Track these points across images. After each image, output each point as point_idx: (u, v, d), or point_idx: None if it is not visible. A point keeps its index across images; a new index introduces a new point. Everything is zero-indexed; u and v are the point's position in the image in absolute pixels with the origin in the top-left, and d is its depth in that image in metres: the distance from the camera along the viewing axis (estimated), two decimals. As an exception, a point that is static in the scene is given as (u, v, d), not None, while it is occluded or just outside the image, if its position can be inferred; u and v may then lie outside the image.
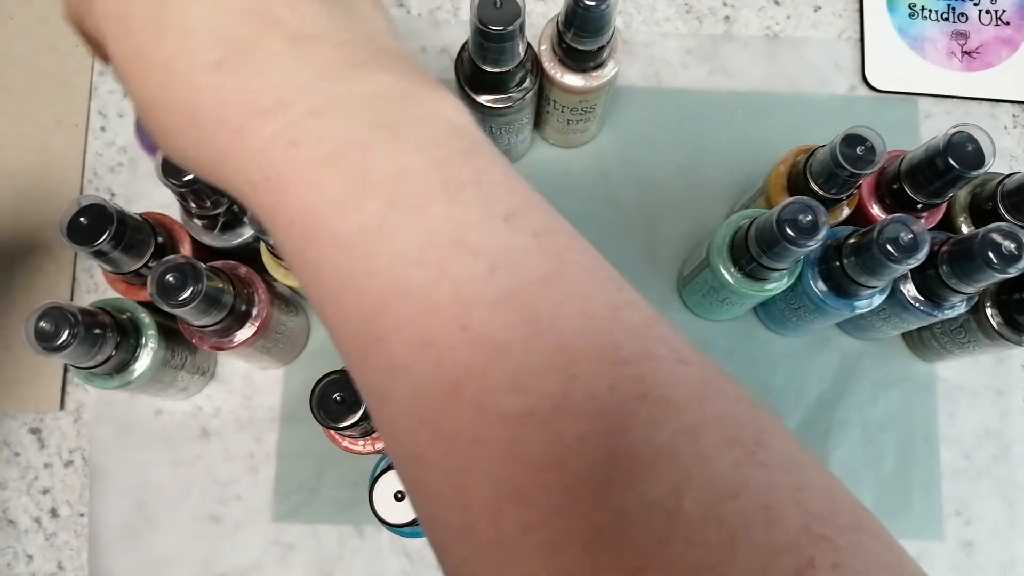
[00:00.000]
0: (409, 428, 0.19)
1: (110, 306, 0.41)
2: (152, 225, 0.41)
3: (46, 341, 0.35)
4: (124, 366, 0.40)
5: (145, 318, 0.41)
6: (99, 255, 0.38)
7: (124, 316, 0.40)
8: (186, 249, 0.43)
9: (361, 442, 0.42)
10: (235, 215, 0.42)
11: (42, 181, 0.52)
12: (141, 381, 0.41)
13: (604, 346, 0.19)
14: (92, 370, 0.39)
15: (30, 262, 0.51)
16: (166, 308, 0.36)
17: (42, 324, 0.35)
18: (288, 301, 0.46)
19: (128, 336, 0.40)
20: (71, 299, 0.50)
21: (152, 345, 0.41)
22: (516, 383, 0.18)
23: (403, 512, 0.38)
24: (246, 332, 0.41)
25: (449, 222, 0.19)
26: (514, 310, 0.19)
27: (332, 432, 0.42)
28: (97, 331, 0.37)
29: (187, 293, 0.36)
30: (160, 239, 0.41)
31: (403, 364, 0.19)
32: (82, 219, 0.37)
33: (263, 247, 0.42)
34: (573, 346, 0.18)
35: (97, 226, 0.37)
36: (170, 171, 0.37)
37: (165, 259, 0.37)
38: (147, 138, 0.42)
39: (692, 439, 0.18)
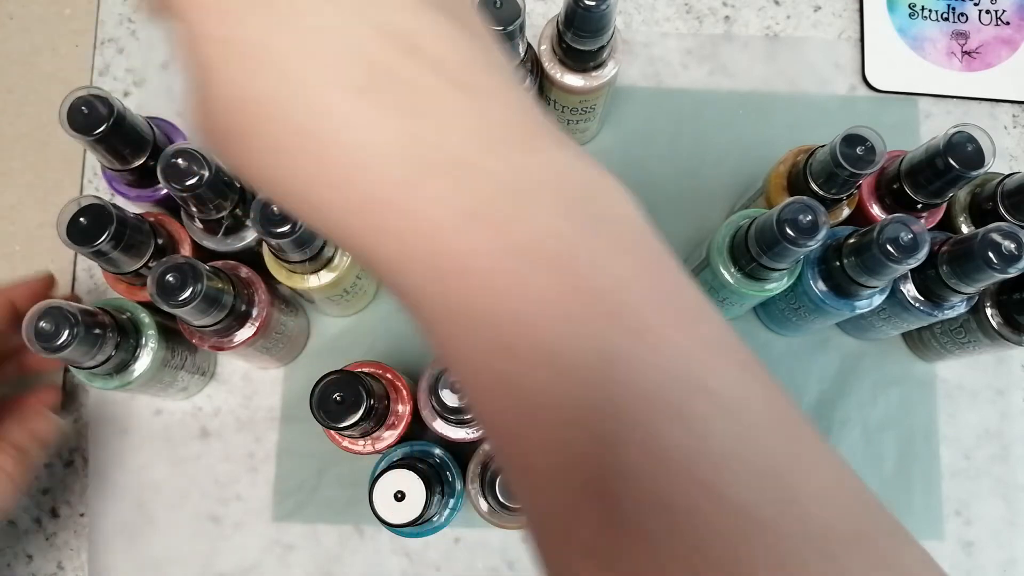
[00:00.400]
0: None
1: (110, 306, 0.41)
2: (152, 225, 0.41)
3: (46, 341, 0.35)
4: (124, 366, 0.40)
5: (145, 318, 0.41)
6: (99, 255, 0.38)
7: (124, 316, 0.40)
8: (186, 250, 0.43)
9: (361, 442, 0.42)
10: (237, 219, 0.42)
11: (42, 181, 0.52)
12: (141, 381, 0.41)
13: (859, 533, 0.17)
14: (92, 370, 0.39)
15: (30, 262, 0.51)
16: (166, 308, 0.36)
17: (42, 324, 0.35)
18: (288, 301, 0.46)
19: (128, 336, 0.40)
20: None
21: (152, 345, 0.41)
22: (778, 565, 0.16)
23: (403, 512, 0.38)
24: (246, 332, 0.41)
25: (686, 358, 0.17)
26: (771, 481, 0.17)
27: (332, 432, 0.42)
28: (97, 331, 0.37)
29: (187, 293, 0.36)
30: (160, 240, 0.41)
31: (630, 523, 0.16)
32: (82, 219, 0.37)
33: (265, 249, 0.42)
34: (833, 528, 0.17)
35: (97, 226, 0.37)
36: (171, 175, 0.37)
37: (165, 259, 0.37)
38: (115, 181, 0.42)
39: None
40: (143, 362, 0.41)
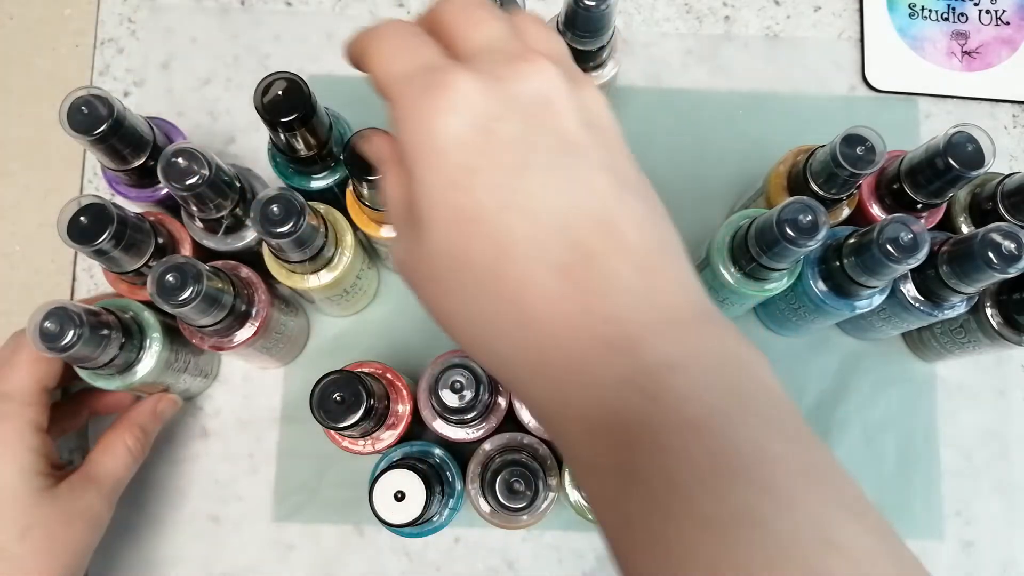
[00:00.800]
0: None
1: (114, 306, 0.41)
2: (152, 224, 0.41)
3: (51, 341, 0.35)
4: (128, 367, 0.40)
5: (150, 319, 0.41)
6: (99, 254, 0.38)
7: (128, 316, 0.40)
8: (187, 249, 0.43)
9: (361, 442, 0.42)
10: (237, 219, 0.42)
11: (42, 181, 0.52)
12: (145, 382, 0.41)
13: None
14: (96, 370, 0.39)
15: (30, 262, 0.51)
16: (166, 308, 0.36)
17: (47, 324, 0.35)
18: (288, 301, 0.46)
19: (132, 337, 0.40)
20: (71, 299, 0.50)
21: (156, 347, 0.41)
22: None
23: (403, 512, 0.38)
24: (246, 332, 0.41)
25: (815, 519, 0.19)
26: None
27: (332, 432, 0.42)
28: (102, 331, 0.37)
29: (187, 293, 0.36)
30: (160, 239, 0.41)
31: None
32: (82, 218, 0.37)
33: (265, 249, 0.42)
34: None
35: (97, 225, 0.37)
36: (172, 174, 0.37)
37: (165, 259, 0.37)
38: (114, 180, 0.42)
39: None
40: (147, 363, 0.41)
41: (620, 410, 0.19)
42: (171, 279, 0.36)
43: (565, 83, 0.22)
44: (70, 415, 0.44)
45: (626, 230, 0.21)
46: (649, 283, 0.21)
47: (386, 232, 0.42)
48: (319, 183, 0.43)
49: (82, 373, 0.40)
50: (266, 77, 0.38)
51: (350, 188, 0.42)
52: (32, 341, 0.35)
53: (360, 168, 0.37)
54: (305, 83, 0.38)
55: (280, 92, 0.38)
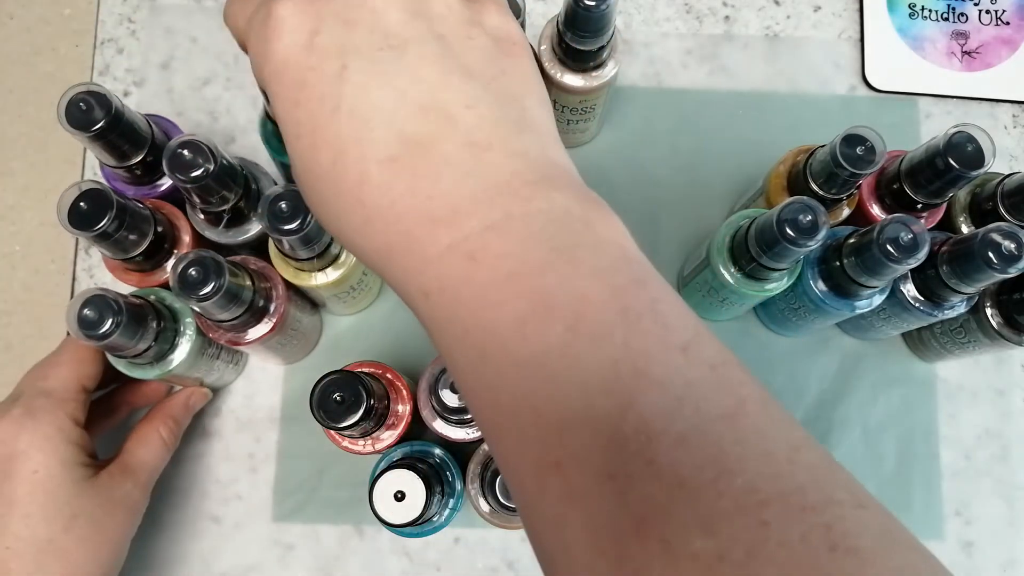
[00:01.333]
0: (586, 561, 0.19)
1: (151, 295, 0.41)
2: (151, 210, 0.41)
3: (89, 329, 0.35)
4: (162, 356, 0.40)
5: (183, 306, 0.41)
6: (101, 239, 0.37)
7: (161, 304, 0.41)
8: (186, 234, 0.43)
9: (361, 442, 0.42)
10: (240, 212, 0.42)
11: (42, 181, 0.52)
12: (180, 370, 0.41)
13: (790, 490, 0.18)
14: (132, 360, 0.40)
15: (30, 262, 0.51)
16: (187, 302, 0.36)
17: (86, 311, 0.35)
18: (304, 298, 0.46)
19: (167, 325, 0.40)
20: (71, 299, 0.50)
21: (190, 333, 0.41)
22: (707, 524, 0.18)
23: (403, 512, 0.38)
24: (263, 328, 0.41)
25: (631, 351, 0.19)
26: (701, 447, 0.18)
27: (332, 432, 0.42)
28: (139, 319, 0.38)
29: (209, 287, 0.36)
30: (159, 225, 0.41)
31: (583, 493, 0.19)
32: (82, 204, 0.37)
33: (272, 247, 0.42)
34: (762, 488, 0.18)
35: (97, 211, 0.37)
36: (176, 166, 0.37)
37: (187, 253, 0.37)
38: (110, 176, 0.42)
39: None
40: (181, 350, 0.41)
41: (448, 276, 0.21)
42: (193, 273, 0.36)
43: None
44: (109, 411, 0.45)
45: (454, 112, 0.22)
46: (479, 158, 0.22)
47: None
48: None
49: (119, 364, 0.40)
50: None
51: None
52: (71, 329, 0.35)
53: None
54: None
55: None
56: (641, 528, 0.18)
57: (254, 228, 0.42)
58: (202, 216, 0.42)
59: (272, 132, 0.42)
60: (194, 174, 0.37)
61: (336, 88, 0.22)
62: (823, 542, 0.18)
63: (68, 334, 0.41)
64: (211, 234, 0.42)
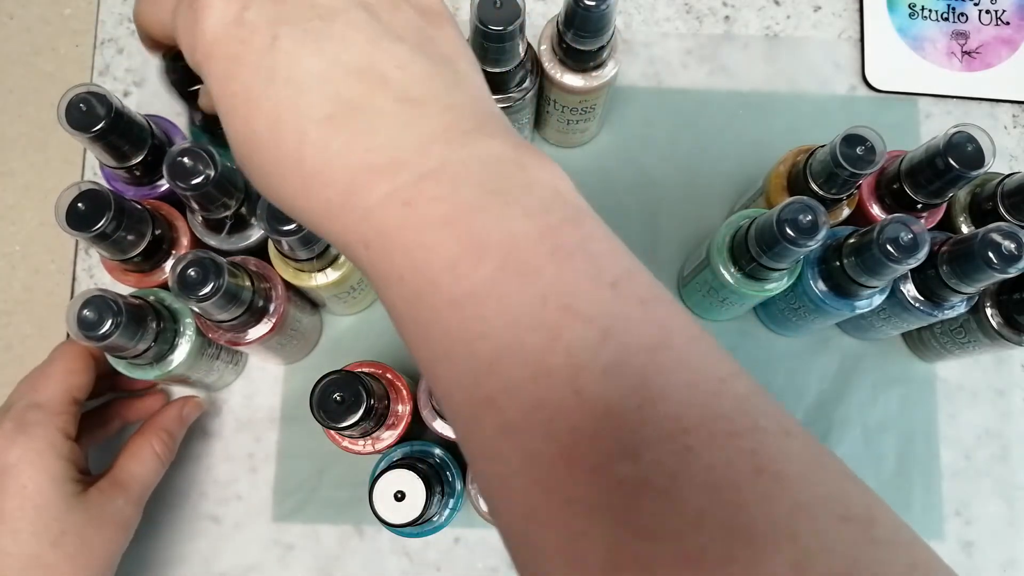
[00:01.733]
0: (521, 489, 0.19)
1: (151, 295, 0.41)
2: (149, 211, 0.41)
3: (89, 329, 0.35)
4: (162, 356, 0.40)
5: (182, 306, 0.41)
6: (99, 239, 0.37)
7: (160, 304, 0.41)
8: (184, 234, 0.43)
9: (361, 442, 0.42)
10: (241, 218, 0.42)
11: (42, 181, 0.52)
12: (180, 370, 0.41)
13: (715, 417, 0.19)
14: (132, 360, 0.39)
15: (30, 262, 0.51)
16: (187, 303, 0.36)
17: (85, 312, 0.35)
18: (304, 298, 0.46)
19: (167, 325, 0.40)
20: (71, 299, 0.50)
21: (190, 333, 0.41)
22: (631, 451, 0.18)
23: (403, 512, 0.38)
24: (263, 328, 0.41)
25: (560, 288, 0.20)
26: (626, 377, 0.19)
27: (332, 432, 0.42)
28: (139, 320, 0.38)
29: (208, 288, 0.36)
30: (157, 226, 0.41)
31: (515, 425, 0.19)
32: (80, 205, 0.37)
33: (272, 248, 0.42)
34: (685, 416, 0.19)
35: (95, 211, 0.37)
36: (177, 173, 0.37)
37: (186, 253, 0.37)
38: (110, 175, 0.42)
39: (809, 516, 0.18)
40: (181, 351, 0.41)
41: (385, 223, 0.21)
42: (193, 273, 0.36)
43: None
44: (101, 424, 0.45)
45: (386, 72, 0.22)
46: (414, 112, 0.22)
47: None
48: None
49: (119, 365, 0.40)
50: (170, 49, 0.38)
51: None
52: (71, 329, 0.35)
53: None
54: None
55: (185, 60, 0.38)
56: (570, 456, 0.18)
57: (256, 234, 0.42)
58: (201, 222, 0.42)
59: (201, 129, 0.42)
60: (195, 181, 0.37)
61: (269, 58, 0.22)
62: (748, 465, 0.18)
63: (64, 339, 0.41)
64: (213, 241, 0.42)
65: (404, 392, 0.43)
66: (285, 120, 0.22)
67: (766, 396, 0.20)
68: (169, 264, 0.42)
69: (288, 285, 0.42)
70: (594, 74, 0.43)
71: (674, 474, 0.18)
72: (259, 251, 0.43)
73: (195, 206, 0.40)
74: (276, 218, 0.37)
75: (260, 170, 0.23)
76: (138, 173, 0.42)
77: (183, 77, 0.35)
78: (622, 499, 0.18)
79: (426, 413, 0.42)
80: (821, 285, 0.42)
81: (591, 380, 0.19)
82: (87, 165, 0.52)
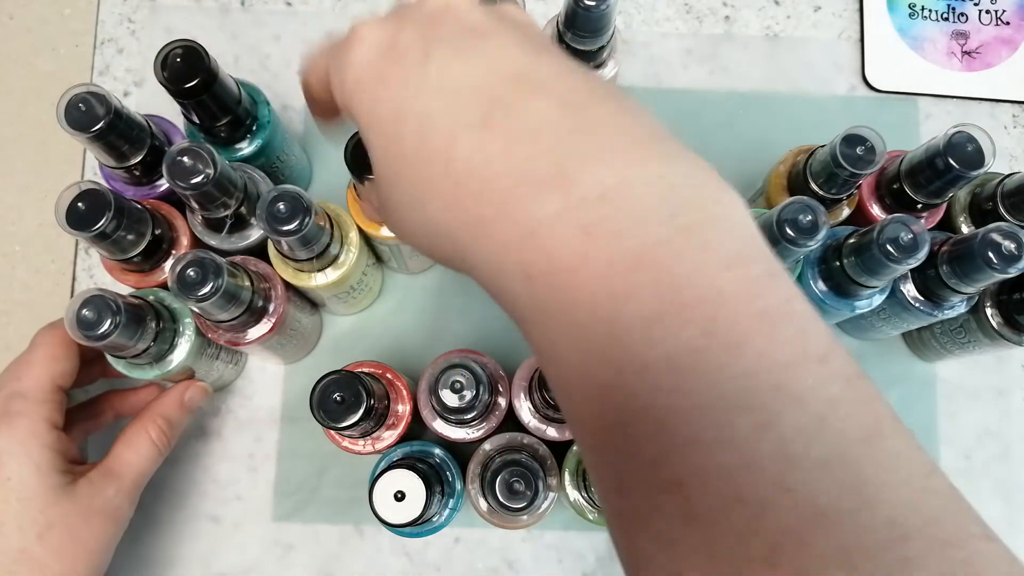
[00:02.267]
0: None
1: (150, 295, 0.41)
2: (149, 211, 0.41)
3: (88, 329, 0.35)
4: (162, 355, 0.40)
5: (182, 306, 0.41)
6: (99, 239, 0.37)
7: (160, 303, 0.41)
8: (184, 234, 0.43)
9: (361, 442, 0.42)
10: (241, 218, 0.42)
11: (42, 181, 0.52)
12: (179, 370, 0.41)
13: (928, 522, 0.17)
14: (131, 360, 0.39)
15: (30, 262, 0.51)
16: (186, 303, 0.36)
17: (84, 312, 0.35)
18: (304, 298, 0.46)
19: (166, 324, 0.40)
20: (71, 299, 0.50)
21: (189, 333, 0.41)
22: (846, 558, 0.16)
23: (403, 512, 0.38)
24: (262, 328, 0.41)
25: (769, 362, 0.17)
26: (841, 473, 0.17)
27: (332, 432, 0.42)
28: (138, 320, 0.37)
29: (207, 288, 0.36)
30: (157, 225, 0.41)
31: (707, 516, 0.17)
32: (80, 204, 0.37)
33: (271, 248, 0.42)
34: (901, 522, 0.17)
35: (95, 211, 0.37)
36: (177, 173, 0.37)
37: (185, 253, 0.37)
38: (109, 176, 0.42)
39: None
40: (181, 351, 0.41)
41: (558, 251, 0.18)
42: (192, 273, 0.36)
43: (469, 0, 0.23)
44: (93, 416, 0.44)
45: (544, 78, 0.20)
46: (578, 118, 0.19)
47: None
48: (243, 151, 0.43)
49: (118, 365, 0.40)
50: (162, 48, 0.39)
51: (351, 187, 0.42)
52: (70, 329, 0.35)
53: (361, 168, 0.37)
54: (203, 47, 0.39)
55: (179, 59, 0.38)
56: (774, 558, 0.16)
57: (255, 234, 0.42)
58: (201, 221, 0.42)
59: (206, 140, 0.42)
60: (194, 181, 0.37)
61: (420, 70, 0.21)
62: None
63: (39, 331, 0.40)
64: (213, 241, 0.42)
65: (404, 392, 0.43)
66: (436, 128, 0.20)
67: (958, 491, 0.18)
68: (169, 264, 0.42)
69: (288, 285, 0.42)
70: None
71: None
72: (259, 251, 0.43)
73: (195, 206, 0.40)
74: (275, 217, 0.37)
75: (404, 193, 0.21)
76: (137, 173, 0.42)
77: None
78: None
79: (426, 413, 0.42)
80: (821, 285, 0.42)
81: (805, 475, 0.17)
82: (87, 165, 0.52)
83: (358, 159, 0.37)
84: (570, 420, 0.20)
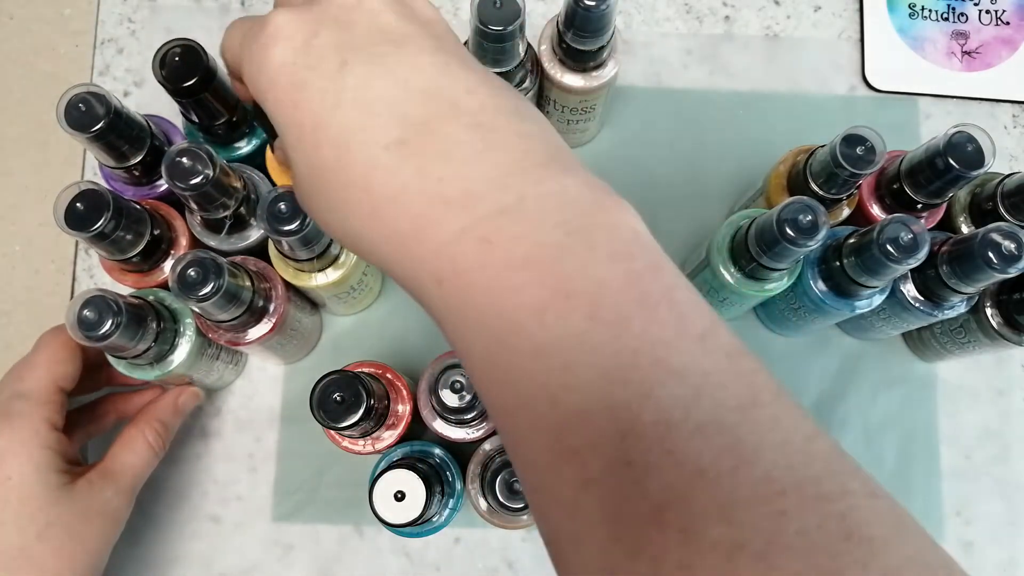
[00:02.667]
0: (601, 543, 0.19)
1: (151, 295, 0.41)
2: (148, 211, 0.41)
3: (89, 330, 0.35)
4: (163, 356, 0.40)
5: (182, 306, 0.41)
6: (98, 239, 0.37)
7: (161, 304, 0.41)
8: (183, 234, 0.43)
9: (361, 442, 0.42)
10: (240, 218, 0.42)
11: (42, 181, 0.52)
12: (180, 370, 0.41)
13: (806, 479, 0.19)
14: (132, 360, 0.39)
15: (30, 262, 0.51)
16: (187, 303, 0.36)
17: (85, 312, 0.35)
18: (304, 298, 0.46)
19: (166, 324, 0.40)
20: (71, 299, 0.50)
21: (190, 334, 0.41)
22: (725, 513, 0.18)
23: (403, 512, 0.38)
24: (263, 328, 0.41)
25: (649, 340, 0.19)
26: (719, 437, 0.18)
27: (332, 432, 0.42)
28: (139, 320, 0.37)
29: (208, 288, 0.36)
30: (156, 225, 0.41)
31: (599, 480, 0.19)
32: (79, 205, 0.37)
33: (272, 248, 0.42)
34: (777, 478, 0.18)
35: (94, 212, 0.37)
36: (176, 173, 0.37)
37: (185, 253, 0.37)
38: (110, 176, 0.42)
39: None
40: (181, 351, 0.41)
41: (462, 260, 0.20)
42: (192, 273, 0.36)
43: None
44: (95, 418, 0.44)
45: (457, 96, 0.22)
46: (486, 140, 0.21)
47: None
48: (241, 151, 0.43)
49: (119, 365, 0.40)
50: (161, 47, 0.39)
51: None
52: (71, 330, 0.35)
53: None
54: (201, 46, 0.39)
55: (177, 58, 0.39)
56: (660, 515, 0.18)
57: (255, 234, 0.42)
58: (200, 222, 0.42)
59: (205, 139, 0.42)
60: (193, 181, 0.37)
61: (337, 82, 0.22)
62: (839, 530, 0.18)
63: (43, 334, 0.40)
64: (212, 241, 0.42)
65: (404, 392, 0.43)
66: (354, 145, 0.21)
67: (846, 454, 0.20)
68: (168, 264, 0.42)
69: (288, 285, 0.42)
70: (594, 74, 0.43)
71: (769, 539, 0.17)
72: (258, 251, 0.43)
73: (194, 206, 0.40)
74: (276, 217, 0.37)
75: (324, 200, 0.23)
76: (137, 173, 0.42)
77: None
78: (716, 561, 0.17)
79: (426, 413, 0.42)
80: (821, 285, 0.42)
81: (684, 439, 0.18)
82: (87, 165, 0.52)
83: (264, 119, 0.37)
84: (487, 406, 0.22)
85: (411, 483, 0.39)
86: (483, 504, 0.42)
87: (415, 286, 0.22)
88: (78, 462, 0.40)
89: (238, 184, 0.40)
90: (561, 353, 0.19)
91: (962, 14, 0.55)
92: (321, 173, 0.22)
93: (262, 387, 0.49)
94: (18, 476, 0.36)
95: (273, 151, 0.39)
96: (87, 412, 0.44)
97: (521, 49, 0.40)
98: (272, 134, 0.36)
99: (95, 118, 0.37)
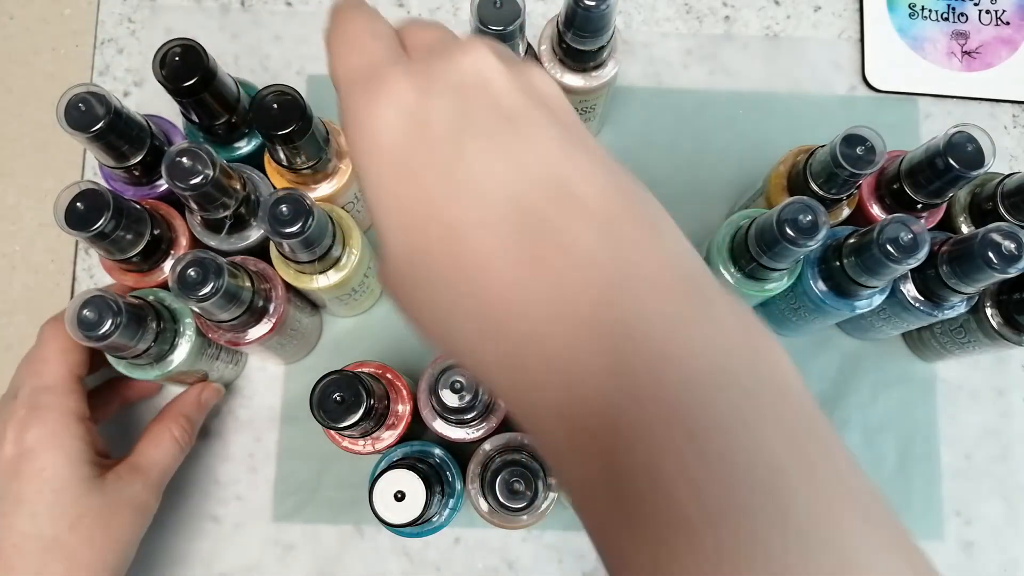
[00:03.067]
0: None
1: (151, 295, 0.41)
2: (148, 211, 0.41)
3: (89, 330, 0.35)
4: (163, 356, 0.40)
5: (182, 306, 0.41)
6: (98, 239, 0.37)
7: (160, 304, 0.41)
8: (183, 234, 0.43)
9: (361, 442, 0.42)
10: (240, 218, 0.42)
11: (42, 181, 0.52)
12: (180, 370, 0.41)
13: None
14: (132, 360, 0.40)
15: (30, 262, 0.51)
16: (187, 303, 0.36)
17: (85, 312, 0.35)
18: (304, 299, 0.46)
19: (166, 325, 0.40)
20: (71, 299, 0.50)
21: (190, 333, 0.41)
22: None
23: (403, 512, 0.38)
24: (262, 328, 0.41)
25: (850, 557, 0.17)
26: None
27: (332, 432, 0.42)
28: (139, 320, 0.38)
29: (208, 288, 0.36)
30: (156, 225, 0.41)
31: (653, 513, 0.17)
32: (79, 204, 0.37)
33: (273, 250, 0.42)
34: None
35: (94, 211, 0.37)
36: (176, 173, 0.37)
37: (185, 253, 0.37)
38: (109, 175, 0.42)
39: None
40: (181, 351, 0.41)
41: (605, 411, 0.18)
42: (192, 273, 0.36)
43: (501, 62, 0.21)
44: (101, 404, 0.45)
45: (583, 192, 0.19)
46: (622, 255, 0.19)
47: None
48: (241, 151, 0.44)
49: (119, 365, 0.40)
50: (161, 47, 0.39)
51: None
52: (70, 330, 0.35)
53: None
54: (201, 46, 0.39)
55: (177, 58, 0.39)
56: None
57: (255, 234, 0.42)
58: (200, 222, 0.42)
59: (205, 139, 0.41)
60: (193, 181, 0.37)
61: (454, 166, 0.20)
62: None
63: (43, 326, 0.41)
64: (212, 241, 0.42)
65: (404, 392, 0.43)
66: (467, 239, 0.19)
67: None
68: (168, 264, 0.42)
69: (288, 286, 0.42)
70: (594, 74, 0.43)
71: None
72: (258, 251, 0.43)
73: (194, 206, 0.40)
74: (277, 219, 0.37)
75: (423, 289, 0.20)
76: (137, 173, 0.42)
77: None
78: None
79: (426, 413, 0.42)
80: (821, 285, 0.42)
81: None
82: (87, 165, 0.52)
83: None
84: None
85: (411, 483, 0.39)
86: (483, 504, 0.42)
87: (522, 405, 0.19)
88: (104, 453, 0.40)
89: (238, 184, 0.40)
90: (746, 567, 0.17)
91: (962, 14, 0.55)
92: (424, 263, 0.20)
93: (262, 387, 0.49)
94: (52, 468, 0.37)
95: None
96: (93, 399, 0.44)
97: (521, 49, 0.40)
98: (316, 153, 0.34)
99: (95, 118, 0.37)
